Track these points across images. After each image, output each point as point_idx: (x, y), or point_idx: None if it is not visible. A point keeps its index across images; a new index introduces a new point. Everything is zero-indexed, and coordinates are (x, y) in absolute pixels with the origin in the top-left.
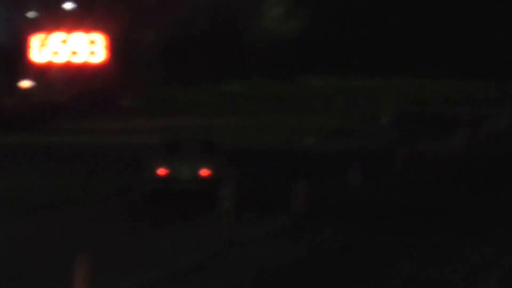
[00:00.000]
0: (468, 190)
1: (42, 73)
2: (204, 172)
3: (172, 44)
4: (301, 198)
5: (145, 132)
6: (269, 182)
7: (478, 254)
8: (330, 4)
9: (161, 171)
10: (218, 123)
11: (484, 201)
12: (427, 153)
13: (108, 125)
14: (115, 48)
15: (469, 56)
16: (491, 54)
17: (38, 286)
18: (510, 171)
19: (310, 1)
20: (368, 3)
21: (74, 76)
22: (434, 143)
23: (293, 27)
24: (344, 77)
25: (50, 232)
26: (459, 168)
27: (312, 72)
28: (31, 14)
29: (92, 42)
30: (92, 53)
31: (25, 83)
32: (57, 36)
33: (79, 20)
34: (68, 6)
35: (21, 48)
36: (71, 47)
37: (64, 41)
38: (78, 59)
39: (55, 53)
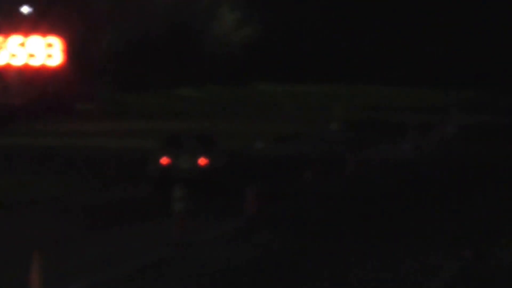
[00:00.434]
0: (415, 195)
1: (0, 75)
2: (202, 161)
3: (127, 48)
4: (253, 201)
5: (98, 135)
6: (222, 184)
7: (423, 259)
8: (283, 11)
9: (164, 161)
10: (171, 127)
11: (430, 207)
12: (376, 159)
13: (63, 127)
14: (72, 51)
15: (418, 64)
16: (439, 62)
17: None
18: (457, 177)
19: (263, 8)
20: (320, 10)
21: (31, 78)
22: (383, 149)
23: (246, 33)
24: (296, 83)
25: (3, 232)
26: (407, 174)
27: (265, 78)
28: None
29: (49, 45)
30: (49, 56)
31: None
32: (15, 39)
33: (36, 23)
34: (25, 10)
35: None
36: (29, 50)
37: (22, 44)
38: (35, 62)
39: (13, 55)
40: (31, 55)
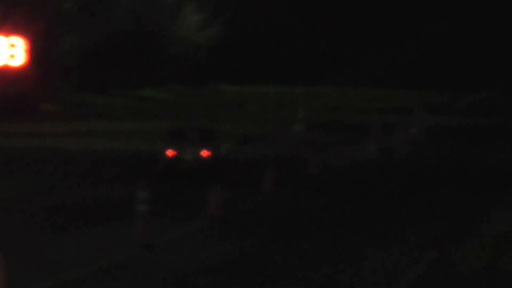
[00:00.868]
0: (380, 196)
1: None
2: (204, 153)
3: (91, 49)
4: (216, 202)
5: (61, 136)
6: (185, 186)
7: (388, 259)
8: (247, 13)
9: (170, 153)
10: (134, 128)
11: (395, 207)
12: (340, 160)
13: (26, 128)
14: (35, 52)
15: (383, 65)
16: (403, 62)
17: None
18: (421, 177)
19: (227, 9)
20: (284, 11)
21: None
22: (347, 150)
23: (210, 34)
24: (260, 84)
25: None
26: (371, 175)
27: (229, 78)
28: None
29: (12, 45)
30: (12, 56)
31: None
32: None
33: None
34: None
35: None
36: None
37: None
38: None
39: None
40: None
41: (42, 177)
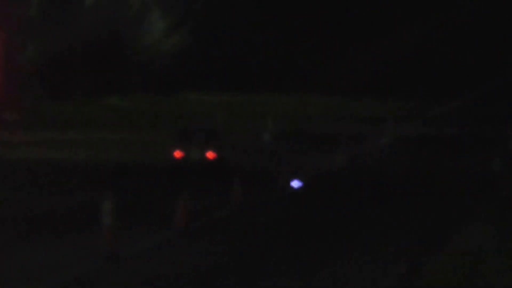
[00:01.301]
0: (349, 207)
1: None
2: (210, 154)
3: (54, 56)
4: (183, 213)
5: (24, 145)
6: (152, 196)
7: (357, 272)
8: (214, 20)
9: (177, 154)
10: (99, 137)
11: (364, 219)
12: (309, 170)
13: None
14: None
15: (353, 74)
16: (374, 71)
17: None
18: (390, 188)
19: (192, 17)
20: (252, 18)
21: None
22: (317, 160)
23: (176, 41)
24: (228, 92)
25: None
26: (341, 185)
27: (195, 86)
28: None
29: None
30: None
31: None
32: None
33: None
34: None
35: None
36: None
37: None
38: None
39: None
40: None
41: (1, 187)
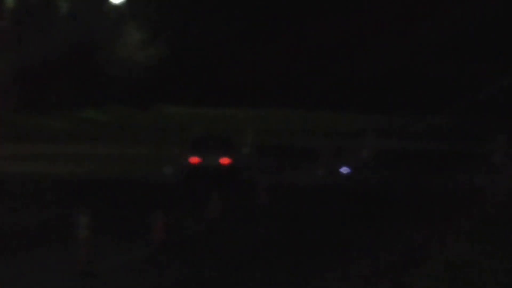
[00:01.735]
0: (329, 223)
1: None
2: (225, 160)
3: (28, 69)
4: (159, 228)
5: None
6: (128, 211)
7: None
8: (190, 32)
9: (193, 160)
10: (72, 151)
11: (344, 235)
12: (287, 185)
13: None
14: None
15: (332, 88)
16: (356, 85)
17: None
18: (370, 203)
19: (170, 29)
20: (230, 31)
21: None
22: (296, 175)
23: (152, 54)
24: (205, 105)
25: None
26: (319, 201)
27: (172, 100)
28: None
29: None
30: None
31: None
32: None
33: None
34: None
35: None
36: None
37: None
38: None
39: None
40: None
41: None
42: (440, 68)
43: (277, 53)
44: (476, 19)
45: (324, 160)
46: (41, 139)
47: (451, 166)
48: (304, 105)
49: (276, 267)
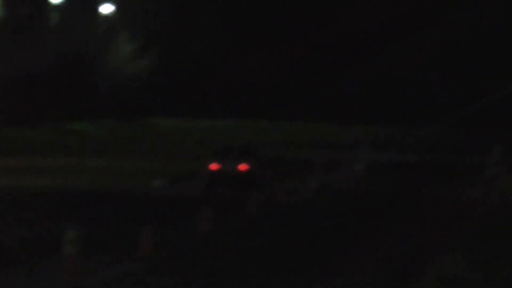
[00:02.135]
0: (321, 236)
1: None
2: (243, 167)
3: (18, 81)
4: (148, 243)
5: None
6: (117, 225)
7: None
8: (181, 43)
9: (214, 166)
10: (62, 164)
11: (337, 247)
12: (281, 197)
13: None
14: None
15: (326, 99)
16: (348, 97)
17: None
18: (364, 215)
19: (161, 40)
20: (222, 43)
21: None
22: (289, 187)
23: (143, 65)
24: (196, 117)
25: None
26: (312, 213)
27: (162, 112)
28: None
29: None
30: None
31: None
32: None
33: None
34: None
35: None
36: None
37: None
38: None
39: None
40: None
41: None
42: (434, 79)
43: (270, 65)
44: (471, 30)
45: (318, 173)
46: (28, 152)
47: (445, 178)
48: (297, 116)
49: (270, 281)
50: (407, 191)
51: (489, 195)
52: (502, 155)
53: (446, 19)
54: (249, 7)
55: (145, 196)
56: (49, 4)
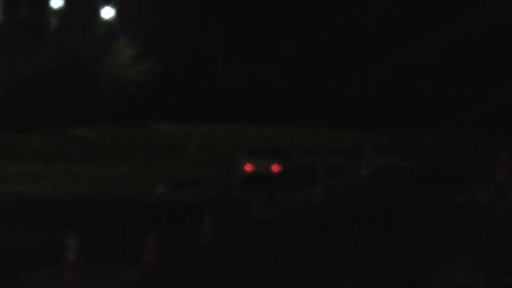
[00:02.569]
0: (325, 243)
1: None
2: (276, 168)
3: (16, 86)
4: (152, 250)
5: None
6: (118, 232)
7: None
8: (182, 48)
9: (248, 167)
10: (62, 171)
11: (340, 255)
12: (285, 204)
13: None
14: None
15: (330, 105)
16: (351, 103)
17: None
18: (370, 223)
19: (161, 44)
20: (221, 47)
21: None
22: (293, 194)
23: (143, 69)
24: (198, 122)
25: None
26: (317, 220)
27: (164, 116)
28: None
29: None
30: None
31: None
32: None
33: None
34: None
35: None
36: None
37: None
38: None
39: None
40: None
41: None
42: (441, 83)
43: (272, 70)
44: (475, 34)
45: (322, 179)
46: (27, 158)
47: (452, 184)
48: (299, 122)
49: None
50: (413, 197)
51: (497, 201)
52: (509, 160)
53: (450, 22)
54: (252, 11)
55: (147, 202)
56: (49, 8)
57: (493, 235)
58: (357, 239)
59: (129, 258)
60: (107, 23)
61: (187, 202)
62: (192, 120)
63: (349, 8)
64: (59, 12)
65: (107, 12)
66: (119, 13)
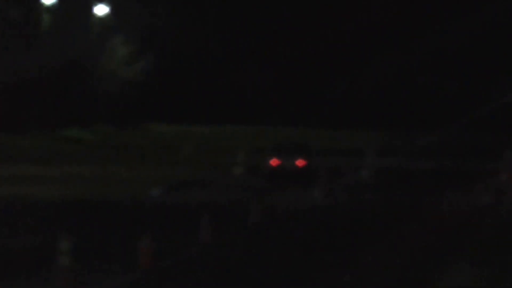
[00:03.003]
0: (324, 246)
1: None
2: (300, 162)
3: (9, 86)
4: (147, 253)
5: None
6: (114, 235)
7: None
8: (178, 47)
9: (274, 162)
10: (58, 172)
11: (341, 257)
12: (284, 206)
13: None
14: None
15: (330, 104)
16: (356, 102)
17: None
18: (371, 224)
19: (157, 43)
20: (219, 46)
21: None
22: (292, 196)
23: (138, 70)
24: (194, 123)
25: None
26: (317, 224)
27: (159, 117)
28: None
29: None
30: None
31: None
32: None
33: None
34: None
35: None
36: None
37: None
38: None
39: None
40: None
41: None
42: (444, 83)
43: (270, 69)
44: (478, 33)
45: (322, 180)
46: (22, 160)
47: (455, 185)
48: (299, 122)
49: None
50: (416, 198)
51: (501, 202)
52: None
53: (453, 21)
54: (248, 11)
55: (143, 205)
56: (41, 5)
57: (497, 236)
58: (358, 241)
59: (124, 262)
60: (100, 20)
61: (183, 204)
62: (188, 121)
63: (350, 8)
64: (51, 9)
65: (101, 9)
66: (113, 10)
